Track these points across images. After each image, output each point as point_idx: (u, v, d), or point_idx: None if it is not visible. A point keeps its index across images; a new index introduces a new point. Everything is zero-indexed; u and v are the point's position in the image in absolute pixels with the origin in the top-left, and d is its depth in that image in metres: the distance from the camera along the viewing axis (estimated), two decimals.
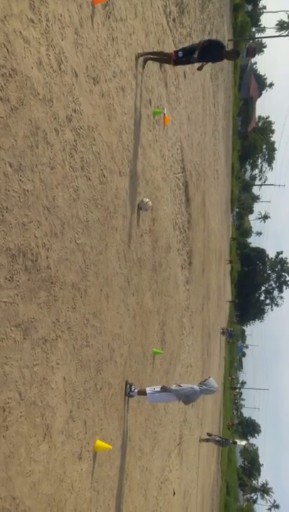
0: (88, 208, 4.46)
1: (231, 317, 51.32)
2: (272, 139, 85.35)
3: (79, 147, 4.18)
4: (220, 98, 25.53)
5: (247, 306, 72.40)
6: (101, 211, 4.85)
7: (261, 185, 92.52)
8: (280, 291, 76.85)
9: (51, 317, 3.63)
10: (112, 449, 5.18)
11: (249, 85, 72.74)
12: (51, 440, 3.63)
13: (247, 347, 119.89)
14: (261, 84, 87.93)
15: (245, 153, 72.95)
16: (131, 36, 6.01)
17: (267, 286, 76.87)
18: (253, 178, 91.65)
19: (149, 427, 7.58)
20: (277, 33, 72.43)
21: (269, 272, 75.87)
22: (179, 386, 6.44)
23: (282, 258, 76.36)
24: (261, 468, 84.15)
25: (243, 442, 79.85)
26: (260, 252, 73.86)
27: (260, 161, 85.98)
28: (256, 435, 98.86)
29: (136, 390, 6.16)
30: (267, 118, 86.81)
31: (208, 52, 6.21)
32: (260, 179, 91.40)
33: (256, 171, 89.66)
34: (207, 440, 16.85)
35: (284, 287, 76.49)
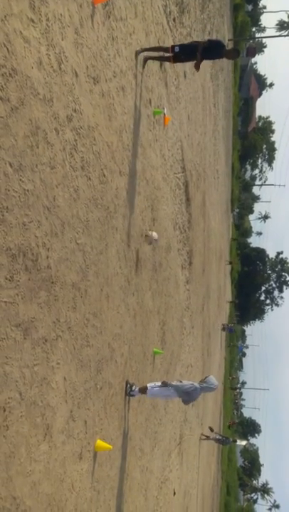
0: (88, 208, 4.46)
1: (231, 317, 51.31)
2: (272, 138, 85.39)
3: (79, 147, 4.18)
4: (220, 98, 25.53)
5: (247, 306, 72.38)
6: (101, 211, 4.85)
7: (261, 185, 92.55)
8: (280, 291, 76.85)
9: (51, 317, 3.63)
10: (113, 449, 5.18)
11: (249, 85, 72.74)
12: (51, 440, 3.63)
13: (247, 347, 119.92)
14: (261, 84, 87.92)
15: (246, 153, 72.95)
16: (131, 36, 6.01)
17: (267, 286, 76.86)
18: (253, 178, 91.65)
19: (149, 427, 7.57)
20: (278, 33, 72.41)
21: (269, 272, 75.85)
22: (180, 382, 6.43)
23: (282, 258, 76.34)
24: (261, 468, 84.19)
25: (244, 442, 79.82)
26: (261, 252, 73.84)
27: (260, 161, 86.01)
28: (256, 435, 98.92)
29: (137, 389, 6.16)
30: (267, 118, 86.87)
31: (208, 52, 6.20)
32: (261, 179, 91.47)
33: (256, 171, 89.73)
34: (207, 437, 16.91)
35: (284, 287, 76.47)
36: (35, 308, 3.34)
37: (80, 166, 4.22)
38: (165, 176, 8.65)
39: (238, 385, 79.10)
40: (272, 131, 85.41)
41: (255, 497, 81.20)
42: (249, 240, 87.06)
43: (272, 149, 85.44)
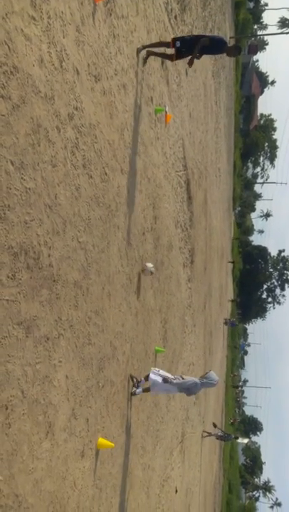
0: (90, 206, 4.45)
1: (233, 315, 51.31)
2: (274, 136, 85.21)
3: (80, 145, 4.18)
4: (222, 96, 25.47)
5: (249, 304, 72.31)
6: (103, 209, 4.85)
7: (263, 183, 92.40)
8: (282, 289, 76.70)
9: (53, 315, 3.63)
10: (115, 447, 5.19)
11: (251, 83, 72.54)
12: (54, 438, 3.64)
13: (249, 345, 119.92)
14: (263, 81, 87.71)
15: (247, 151, 72.81)
16: (132, 34, 5.99)
17: (269, 284, 76.71)
18: (254, 176, 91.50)
19: (151, 425, 7.58)
20: (279, 31, 72.16)
21: (271, 270, 75.71)
22: (182, 378, 6.50)
23: (284, 256, 76.17)
24: (263, 466, 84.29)
25: (245, 440, 79.90)
26: (262, 250, 73.68)
27: (262, 158, 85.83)
28: (258, 433, 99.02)
29: (140, 389, 6.21)
30: (269, 116, 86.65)
31: (208, 47, 6.16)
32: (262, 177, 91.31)
33: (258, 169, 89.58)
34: (209, 434, 16.97)
35: (286, 285, 76.33)
36: (37, 306, 3.35)
37: (82, 164, 4.22)
38: (167, 174, 8.64)
39: (240, 383, 79.10)
40: (274, 129, 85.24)
41: (257, 495, 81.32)
42: (251, 238, 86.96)
43: (274, 147, 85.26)
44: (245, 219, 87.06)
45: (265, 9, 77.61)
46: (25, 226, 3.17)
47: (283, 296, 77.71)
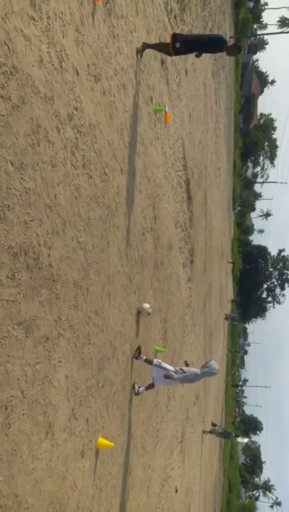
0: (90, 206, 4.45)
1: (233, 313, 51.36)
2: (274, 136, 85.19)
3: (80, 145, 4.18)
4: (221, 95, 25.47)
5: (249, 303, 72.30)
6: (102, 209, 4.85)
7: (263, 182, 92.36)
8: (282, 288, 76.70)
9: (53, 315, 3.64)
10: (115, 447, 5.19)
11: (251, 82, 72.52)
12: (53, 438, 3.64)
13: (249, 345, 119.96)
14: (263, 81, 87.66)
15: (247, 151, 72.78)
16: (132, 33, 5.99)
17: (269, 283, 76.72)
18: (254, 175, 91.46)
19: (151, 425, 7.59)
20: (279, 30, 72.00)
21: (271, 269, 75.70)
22: (182, 372, 6.56)
23: (284, 256, 76.17)
24: (263, 465, 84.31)
25: (245, 440, 79.93)
26: (262, 250, 73.67)
27: (262, 158, 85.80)
28: (258, 433, 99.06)
29: (143, 388, 6.30)
30: (269, 115, 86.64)
31: (209, 47, 6.16)
32: (262, 177, 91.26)
33: (258, 169, 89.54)
34: (211, 431, 17.03)
35: (286, 285, 76.33)
36: (36, 306, 3.35)
37: (82, 165, 4.22)
38: (166, 173, 8.64)
39: (240, 383, 79.11)
40: (274, 129, 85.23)
41: (257, 494, 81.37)
42: (251, 238, 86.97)
43: (273, 146, 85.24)
44: (245, 218, 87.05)
45: (265, 9, 77.59)
46: (25, 226, 3.17)
47: (283, 295, 77.75)
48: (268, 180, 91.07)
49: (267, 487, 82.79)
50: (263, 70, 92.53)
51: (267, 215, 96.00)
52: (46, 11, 3.48)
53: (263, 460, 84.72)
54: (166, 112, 8.21)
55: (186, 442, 11.73)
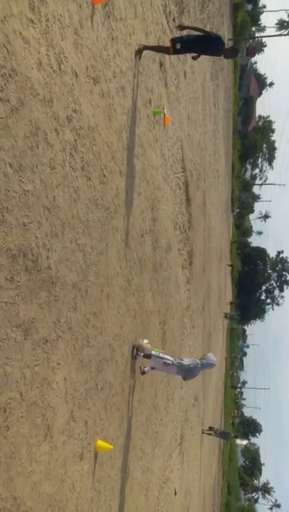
0: (89, 208, 4.46)
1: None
2: (272, 138, 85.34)
3: (79, 147, 4.18)
4: (220, 98, 25.53)
5: (248, 305, 72.34)
6: (101, 211, 4.85)
7: (262, 184, 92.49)
8: (281, 290, 76.83)
9: (52, 317, 3.63)
10: (113, 449, 5.18)
11: (249, 85, 72.76)
12: (52, 440, 3.63)
13: (248, 346, 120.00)
14: (261, 83, 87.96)
15: (246, 153, 72.90)
16: (131, 36, 6.01)
17: (268, 285, 76.83)
18: (253, 177, 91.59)
19: (150, 427, 7.58)
20: (278, 32, 72.26)
21: (270, 271, 75.81)
22: (181, 360, 6.59)
23: (282, 257, 76.31)
24: (262, 467, 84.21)
25: (244, 442, 79.84)
26: (261, 252, 73.79)
27: (260, 160, 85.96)
28: (257, 435, 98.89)
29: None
30: (267, 117, 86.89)
31: (207, 45, 6.18)
32: (261, 178, 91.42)
33: (256, 171, 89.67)
34: (210, 431, 17.04)
35: (285, 286, 76.45)
36: (35, 308, 3.35)
37: (80, 167, 4.22)
38: (165, 175, 8.65)
39: (239, 385, 79.06)
40: (273, 131, 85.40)
41: (256, 496, 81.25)
42: (249, 240, 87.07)
43: (272, 148, 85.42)
44: (244, 220, 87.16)
45: (263, 11, 77.85)
46: (24, 228, 3.17)
47: (282, 297, 77.86)
48: (267, 182, 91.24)
49: (266, 489, 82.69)
50: (261, 73, 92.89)
51: (265, 216, 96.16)
52: (45, 13, 3.49)
53: (262, 462, 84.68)
54: (164, 114, 8.22)
55: (185, 444, 11.71)
